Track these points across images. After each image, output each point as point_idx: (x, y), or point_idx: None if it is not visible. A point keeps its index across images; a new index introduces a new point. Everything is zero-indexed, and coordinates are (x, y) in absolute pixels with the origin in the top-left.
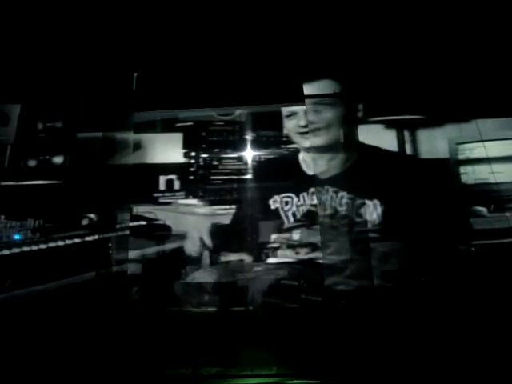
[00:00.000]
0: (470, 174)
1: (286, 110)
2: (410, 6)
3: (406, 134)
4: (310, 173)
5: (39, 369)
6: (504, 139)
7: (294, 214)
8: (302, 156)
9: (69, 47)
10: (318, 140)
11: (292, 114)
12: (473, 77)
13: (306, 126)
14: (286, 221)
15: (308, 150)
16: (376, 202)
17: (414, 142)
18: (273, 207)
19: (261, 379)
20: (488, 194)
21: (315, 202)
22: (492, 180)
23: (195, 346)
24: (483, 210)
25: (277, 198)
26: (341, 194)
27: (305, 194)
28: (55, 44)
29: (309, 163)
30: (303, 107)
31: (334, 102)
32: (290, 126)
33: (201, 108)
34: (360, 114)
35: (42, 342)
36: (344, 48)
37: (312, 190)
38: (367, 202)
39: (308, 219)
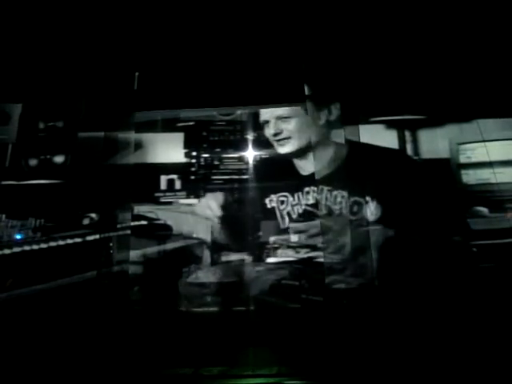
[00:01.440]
0: (471, 174)
1: (261, 119)
2: (410, 5)
3: (407, 134)
4: (304, 173)
5: (39, 368)
6: (506, 139)
7: (289, 214)
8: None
9: (70, 47)
10: (293, 147)
11: (265, 123)
12: (474, 77)
13: (277, 134)
14: (282, 220)
15: (288, 154)
16: (375, 200)
17: (414, 142)
18: (269, 206)
19: (262, 379)
20: (489, 194)
21: (310, 201)
22: (493, 180)
23: (196, 346)
24: (484, 210)
25: (273, 197)
26: (335, 192)
27: (299, 193)
28: (57, 44)
29: (300, 165)
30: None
31: (307, 107)
32: (266, 133)
33: (202, 108)
34: (359, 115)
35: (43, 341)
36: (345, 48)
37: (307, 189)
38: (364, 200)
39: (305, 219)
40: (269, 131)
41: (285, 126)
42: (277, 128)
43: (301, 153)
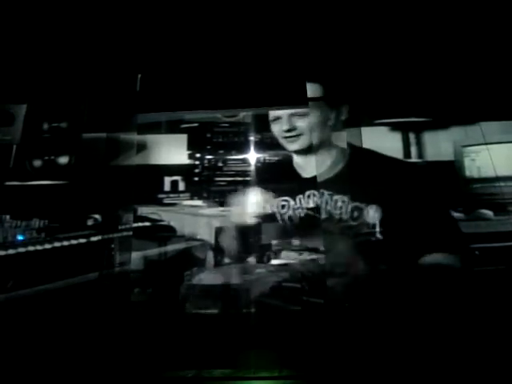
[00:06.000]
0: (475, 177)
1: (271, 115)
2: (413, 8)
3: (411, 136)
4: (305, 175)
5: (40, 368)
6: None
7: (290, 218)
8: (295, 159)
9: (74, 49)
10: (303, 144)
11: (276, 119)
12: (479, 79)
13: (289, 131)
14: (284, 224)
15: (296, 152)
16: (375, 204)
17: (418, 145)
18: (271, 210)
19: (263, 381)
20: (493, 196)
21: (311, 204)
22: (497, 183)
23: (198, 348)
24: (489, 212)
25: (274, 201)
26: (336, 196)
27: (301, 196)
28: (61, 46)
29: (302, 166)
30: (288, 111)
31: (320, 106)
32: (275, 129)
33: (204, 110)
34: (364, 117)
35: (44, 341)
36: (348, 50)
37: (308, 192)
38: (365, 204)
39: (306, 222)
40: (280, 127)
41: (298, 123)
42: (290, 124)
43: (308, 152)
